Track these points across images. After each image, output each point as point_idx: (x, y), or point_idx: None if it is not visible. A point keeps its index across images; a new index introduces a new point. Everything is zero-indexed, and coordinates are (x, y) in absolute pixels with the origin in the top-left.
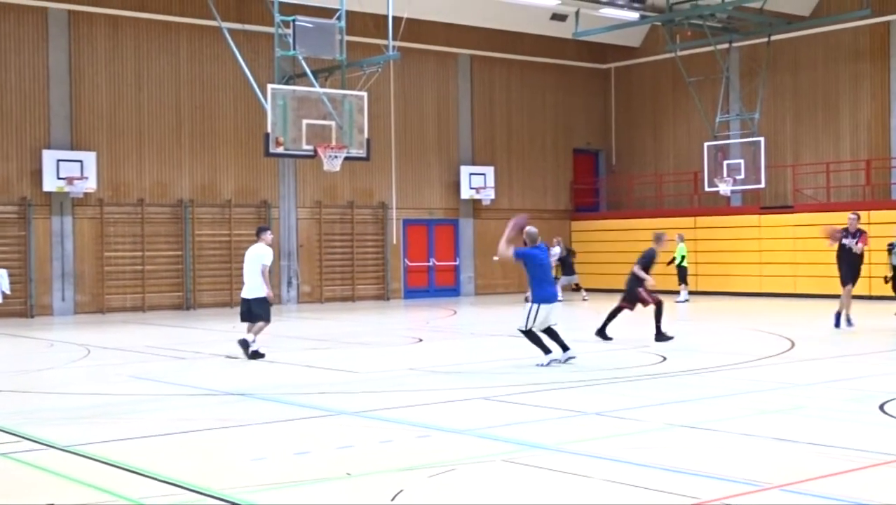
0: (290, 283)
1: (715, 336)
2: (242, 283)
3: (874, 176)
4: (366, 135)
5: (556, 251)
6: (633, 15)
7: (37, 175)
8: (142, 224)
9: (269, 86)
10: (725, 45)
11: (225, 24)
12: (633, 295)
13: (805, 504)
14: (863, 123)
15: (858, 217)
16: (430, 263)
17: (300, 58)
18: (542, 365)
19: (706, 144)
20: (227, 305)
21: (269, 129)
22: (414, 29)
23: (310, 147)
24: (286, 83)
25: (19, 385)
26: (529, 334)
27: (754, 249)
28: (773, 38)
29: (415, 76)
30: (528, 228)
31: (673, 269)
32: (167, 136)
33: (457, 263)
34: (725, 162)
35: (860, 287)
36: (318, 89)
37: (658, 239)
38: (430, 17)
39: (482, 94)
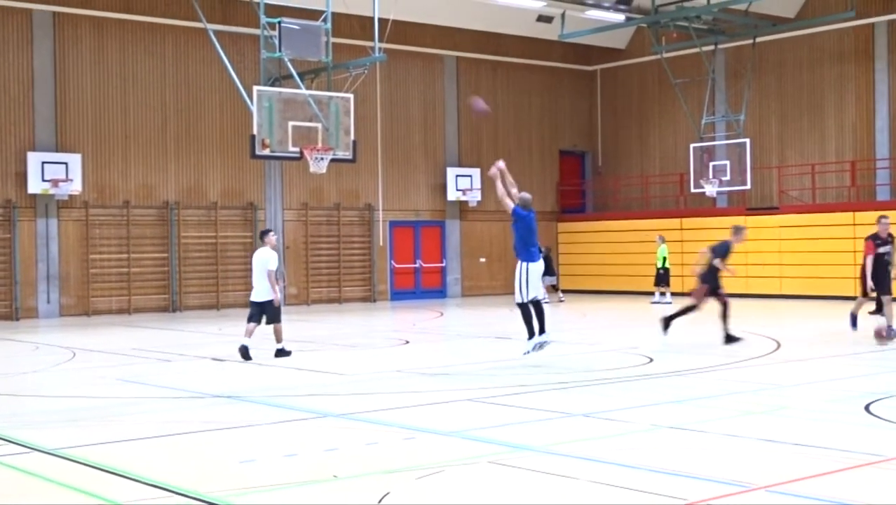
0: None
1: (701, 337)
2: (234, 285)
3: (859, 177)
4: (352, 136)
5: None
6: (619, 17)
7: (21, 177)
8: (127, 226)
9: (255, 88)
10: (711, 47)
11: (210, 26)
12: (714, 287)
13: (791, 504)
14: (848, 125)
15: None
16: (417, 265)
17: (286, 60)
18: (527, 353)
19: (692, 146)
20: (214, 307)
21: (255, 131)
22: (400, 31)
23: (296, 149)
24: (272, 85)
25: (4, 388)
26: (524, 309)
27: (740, 251)
28: (759, 39)
29: (401, 78)
30: (523, 194)
31: (652, 270)
32: (153, 138)
33: (443, 264)
34: (711, 163)
35: (845, 288)
36: (304, 91)
37: (737, 231)
38: (416, 18)
39: (468, 96)
